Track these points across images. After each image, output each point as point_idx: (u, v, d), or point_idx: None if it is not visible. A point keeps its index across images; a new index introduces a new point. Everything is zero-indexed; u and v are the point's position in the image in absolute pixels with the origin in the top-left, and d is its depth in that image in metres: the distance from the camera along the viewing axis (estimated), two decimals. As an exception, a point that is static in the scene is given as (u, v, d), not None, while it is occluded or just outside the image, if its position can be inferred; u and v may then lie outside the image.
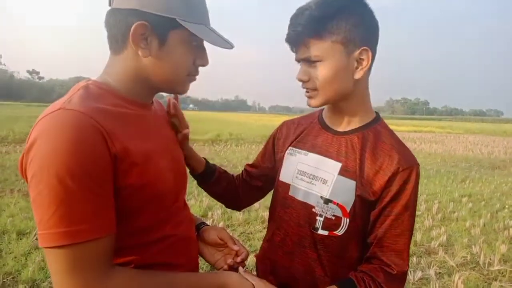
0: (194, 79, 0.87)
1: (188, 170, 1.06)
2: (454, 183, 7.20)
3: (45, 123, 0.66)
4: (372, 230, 0.94)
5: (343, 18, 0.86)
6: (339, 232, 0.94)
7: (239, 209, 1.29)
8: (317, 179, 0.97)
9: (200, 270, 1.00)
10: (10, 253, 3.12)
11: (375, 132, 0.97)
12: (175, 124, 0.99)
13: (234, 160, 9.05)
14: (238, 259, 0.99)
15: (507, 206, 5.54)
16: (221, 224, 4.03)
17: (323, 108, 1.09)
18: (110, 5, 0.77)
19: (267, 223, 4.01)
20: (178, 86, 0.85)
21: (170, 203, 0.86)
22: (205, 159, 1.16)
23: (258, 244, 3.58)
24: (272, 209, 1.11)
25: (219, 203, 4.93)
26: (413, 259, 3.44)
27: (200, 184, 1.19)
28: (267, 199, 1.26)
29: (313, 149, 1.01)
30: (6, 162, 7.12)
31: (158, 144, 0.83)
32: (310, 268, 0.98)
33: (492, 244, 3.89)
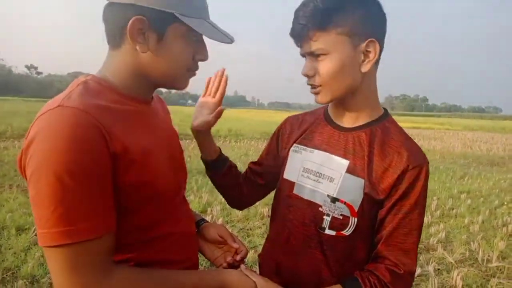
0: (194, 74, 0.86)
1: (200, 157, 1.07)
2: (453, 180, 7.22)
3: (43, 120, 0.65)
4: (379, 228, 0.92)
5: (349, 9, 0.84)
6: (347, 232, 0.92)
7: (241, 208, 1.27)
8: (323, 177, 0.95)
9: (200, 267, 1.00)
10: (10, 249, 3.12)
11: (383, 128, 0.95)
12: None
13: (233, 156, 9.04)
14: (238, 257, 0.98)
15: (505, 203, 5.56)
16: (220, 220, 4.03)
17: (328, 104, 1.06)
18: None
19: (266, 219, 4.03)
20: (177, 81, 0.83)
21: (169, 200, 0.85)
22: (219, 148, 1.15)
23: (257, 240, 3.58)
24: (275, 207, 1.08)
25: (218, 199, 4.95)
26: (412, 256, 3.45)
27: (210, 172, 1.17)
28: (267, 195, 1.26)
29: (319, 146, 0.99)
30: (4, 158, 7.09)
31: (157, 141, 0.82)
32: (316, 269, 0.96)
33: (491, 241, 3.91)
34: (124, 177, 0.70)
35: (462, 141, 16.75)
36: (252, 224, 4.07)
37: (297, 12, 0.88)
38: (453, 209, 5.09)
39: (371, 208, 0.91)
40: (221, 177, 1.16)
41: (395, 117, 1.02)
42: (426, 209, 0.94)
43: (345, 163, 0.93)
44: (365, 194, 0.90)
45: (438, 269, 3.24)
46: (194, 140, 1.15)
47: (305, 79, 0.94)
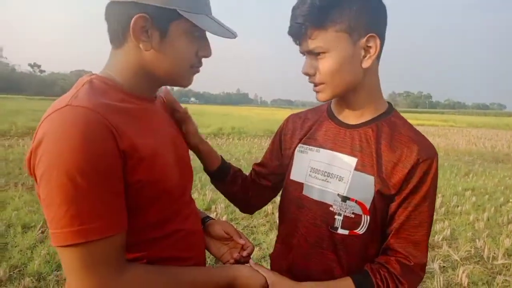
0: (198, 71, 0.85)
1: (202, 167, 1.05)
2: (457, 177, 7.19)
3: (52, 120, 0.65)
4: (390, 222, 0.91)
5: (346, 5, 0.82)
6: (360, 230, 0.91)
7: (251, 212, 1.26)
8: (332, 176, 0.93)
9: (206, 264, 1.00)
10: (16, 246, 3.14)
11: (389, 123, 0.94)
12: (178, 118, 0.98)
13: (237, 153, 9.04)
14: (244, 253, 0.98)
15: (511, 200, 5.52)
16: (224, 218, 4.04)
17: (331, 101, 1.05)
18: None
19: (270, 217, 4.03)
20: (181, 78, 0.83)
21: (177, 198, 0.85)
22: (221, 156, 1.13)
23: (261, 237, 3.59)
24: (284, 209, 1.06)
25: (223, 197, 4.96)
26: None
27: (214, 182, 1.16)
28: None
29: (325, 145, 0.97)
30: (9, 156, 7.14)
31: (163, 139, 0.83)
32: (328, 269, 0.95)
33: (496, 238, 3.89)
34: (133, 175, 0.70)
35: (467, 138, 16.67)
36: (256, 222, 4.07)
37: (294, 10, 0.86)
38: (458, 206, 5.07)
39: (383, 204, 0.90)
40: (227, 185, 1.15)
41: (398, 114, 1.01)
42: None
43: (353, 160, 0.92)
44: (376, 191, 0.88)
45: (444, 267, 3.23)
46: None
47: (307, 76, 0.93)
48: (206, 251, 1.01)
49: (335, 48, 0.84)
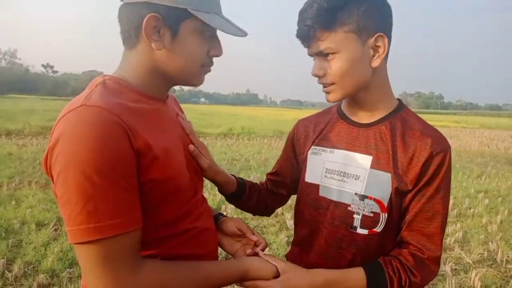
0: (209, 70, 0.86)
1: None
2: (469, 179, 7.08)
3: (68, 120, 0.66)
4: (404, 215, 0.92)
5: (354, 6, 0.83)
6: (379, 229, 0.91)
7: (268, 215, 1.28)
8: (348, 176, 0.94)
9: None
10: (30, 244, 3.20)
11: (401, 119, 0.94)
12: (191, 153, 0.92)
13: (246, 154, 9.06)
14: (257, 249, 0.99)
15: (525, 203, 5.43)
16: (234, 218, 4.05)
17: (340, 102, 1.06)
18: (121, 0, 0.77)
19: (280, 217, 4.03)
20: (192, 78, 0.84)
21: (189, 196, 0.86)
22: (234, 176, 1.12)
23: (271, 238, 3.59)
24: (300, 212, 1.06)
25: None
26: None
27: (232, 202, 1.16)
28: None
29: (339, 145, 0.98)
30: (23, 155, 7.27)
31: (175, 138, 0.84)
32: (349, 268, 0.94)
33: (510, 241, 3.83)
34: (146, 174, 0.71)
35: (479, 139, 16.41)
36: (266, 222, 4.07)
37: (301, 13, 0.87)
38: (470, 208, 5.00)
39: (399, 201, 0.91)
40: (243, 203, 1.16)
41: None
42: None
43: (368, 159, 0.92)
44: (393, 188, 0.89)
45: (455, 269, 3.19)
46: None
47: (316, 78, 0.93)
48: (218, 248, 1.02)
49: (345, 48, 0.85)
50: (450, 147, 0.91)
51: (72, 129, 0.64)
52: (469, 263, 3.29)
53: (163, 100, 0.86)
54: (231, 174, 1.11)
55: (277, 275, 0.87)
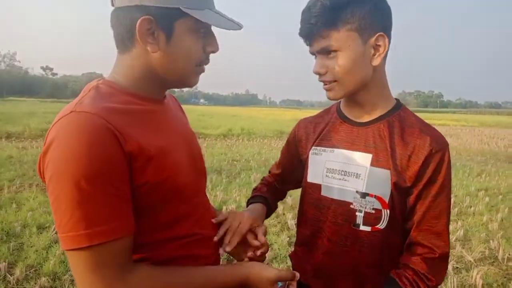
0: (203, 70, 0.85)
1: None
2: (470, 177, 7.09)
3: (58, 127, 0.67)
4: (410, 215, 0.93)
5: (356, 5, 0.86)
6: (381, 225, 0.93)
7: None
8: (349, 175, 0.96)
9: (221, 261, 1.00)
10: (32, 247, 3.20)
11: (400, 117, 0.97)
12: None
13: (247, 154, 9.06)
14: (258, 253, 0.98)
15: (525, 201, 5.43)
16: (235, 219, 4.04)
17: (339, 102, 1.07)
18: (112, 5, 0.76)
19: (281, 217, 4.03)
20: (189, 78, 0.83)
21: (189, 198, 0.85)
22: (260, 201, 1.16)
23: (273, 238, 3.59)
24: (304, 212, 1.08)
25: (233, 197, 4.99)
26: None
27: None
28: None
29: (339, 144, 0.99)
30: (23, 157, 7.27)
31: (173, 139, 0.82)
32: (355, 266, 0.97)
33: (511, 239, 3.83)
34: (141, 177, 0.71)
35: (479, 137, 16.42)
36: (268, 222, 4.07)
37: (304, 12, 0.89)
38: (471, 207, 5.01)
39: (400, 197, 0.92)
40: (270, 214, 1.21)
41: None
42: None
43: (368, 157, 0.94)
44: (393, 184, 0.91)
45: (457, 268, 3.19)
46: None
47: (316, 77, 0.95)
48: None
49: (347, 47, 0.87)
50: (448, 144, 0.93)
51: (61, 136, 0.65)
52: (470, 261, 3.29)
53: (159, 100, 0.85)
54: (259, 201, 1.15)
55: (277, 282, 0.85)
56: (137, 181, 0.71)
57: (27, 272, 2.78)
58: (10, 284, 2.62)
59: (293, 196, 4.27)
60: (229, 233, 0.95)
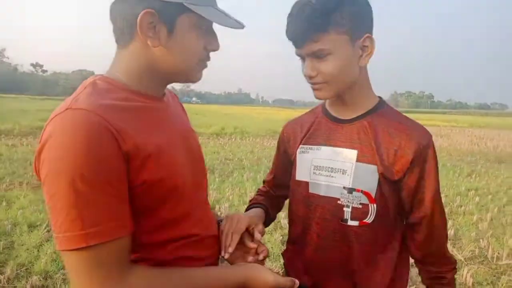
0: (206, 66, 0.84)
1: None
2: (460, 177, 7.18)
3: (53, 124, 0.65)
4: (415, 209, 0.97)
5: (345, 8, 0.86)
6: (369, 219, 0.95)
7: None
8: (335, 171, 0.97)
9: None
10: (22, 245, 3.16)
11: (384, 113, 0.99)
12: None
13: (239, 153, 9.06)
14: (260, 257, 0.95)
15: (514, 201, 5.51)
16: (229, 217, 4.04)
17: (325, 101, 1.09)
18: None
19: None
20: (190, 74, 0.82)
21: (188, 198, 0.83)
22: (261, 208, 1.15)
23: (265, 237, 3.59)
24: (293, 210, 1.09)
25: (226, 196, 4.99)
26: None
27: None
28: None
29: (325, 142, 1.01)
30: (13, 155, 7.17)
31: (172, 137, 0.81)
32: (345, 261, 0.99)
33: (500, 238, 3.89)
34: (138, 175, 0.70)
35: (469, 138, 16.63)
36: (261, 221, 4.07)
37: (293, 15, 0.89)
38: (461, 206, 5.07)
39: (388, 191, 0.94)
40: (270, 222, 1.20)
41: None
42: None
43: (353, 153, 0.96)
44: (379, 179, 0.93)
45: (448, 267, 3.23)
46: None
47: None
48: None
49: (337, 49, 0.88)
50: (431, 136, 0.97)
51: (57, 134, 0.63)
52: (461, 260, 3.34)
53: (158, 97, 0.83)
54: (258, 206, 1.15)
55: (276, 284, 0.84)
56: (134, 181, 0.69)
57: (18, 271, 2.75)
58: (0, 283, 2.59)
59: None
60: (228, 234, 0.94)
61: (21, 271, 2.76)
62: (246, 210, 1.17)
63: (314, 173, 1.01)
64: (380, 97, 1.04)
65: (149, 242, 0.77)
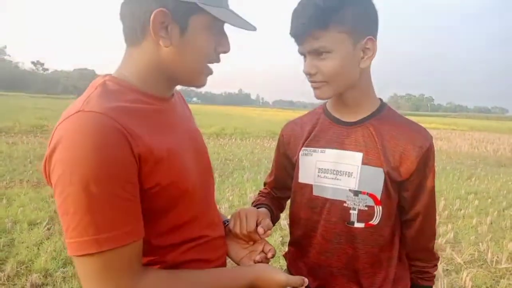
0: (212, 72, 0.83)
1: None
2: (460, 180, 7.18)
3: (65, 127, 0.64)
4: (411, 206, 1.00)
5: (349, 8, 0.87)
6: (375, 221, 0.96)
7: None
8: (341, 174, 0.98)
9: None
10: (23, 243, 3.16)
11: (386, 116, 1.00)
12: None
13: (239, 154, 9.06)
14: (269, 255, 0.94)
15: (513, 204, 5.52)
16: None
17: (325, 103, 1.09)
18: None
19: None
20: (198, 77, 0.80)
21: (198, 200, 0.83)
22: (265, 208, 1.15)
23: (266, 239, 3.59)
24: (296, 212, 1.09)
25: (226, 197, 4.98)
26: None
27: None
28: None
29: (329, 144, 1.01)
30: (13, 153, 7.17)
31: (180, 139, 0.80)
32: (349, 263, 1.00)
33: (500, 242, 3.89)
34: (150, 179, 0.69)
35: (469, 141, 16.64)
36: (260, 222, 4.07)
37: (297, 12, 0.90)
38: (461, 209, 5.07)
39: (393, 192, 0.96)
40: (275, 221, 1.20)
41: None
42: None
43: (359, 155, 0.96)
44: (385, 181, 0.94)
45: (447, 270, 3.24)
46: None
47: (307, 76, 0.96)
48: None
49: (338, 48, 0.88)
50: (432, 137, 0.99)
51: (69, 137, 0.62)
52: (460, 263, 3.34)
53: (167, 99, 0.82)
54: (262, 207, 1.15)
55: (286, 286, 0.84)
56: (146, 184, 0.69)
57: (18, 269, 2.75)
58: (0, 280, 2.59)
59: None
60: (242, 225, 0.93)
61: (21, 268, 2.76)
62: None
63: (318, 175, 1.01)
64: (380, 99, 1.04)
65: (160, 245, 0.77)
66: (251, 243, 0.97)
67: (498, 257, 3.47)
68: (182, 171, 0.77)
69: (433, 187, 0.99)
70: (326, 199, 1.00)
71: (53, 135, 0.65)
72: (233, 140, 12.29)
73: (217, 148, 9.92)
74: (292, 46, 0.96)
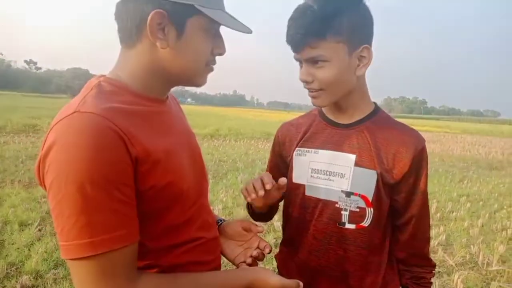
0: (212, 70, 0.82)
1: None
2: (452, 183, 7.24)
3: (60, 127, 0.63)
4: (405, 210, 1.00)
5: (345, 17, 0.87)
6: (366, 223, 0.97)
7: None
8: (334, 175, 0.98)
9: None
10: (13, 244, 3.13)
11: (380, 119, 1.01)
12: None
13: (234, 155, 9.05)
14: (266, 251, 0.95)
15: (505, 207, 5.58)
16: (222, 219, 4.04)
17: None
18: None
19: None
20: (196, 77, 0.80)
21: (193, 201, 0.82)
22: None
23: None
24: (288, 212, 1.10)
25: (220, 198, 4.96)
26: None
27: (259, 219, 1.19)
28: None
29: (323, 146, 1.02)
30: (5, 153, 7.09)
31: (176, 140, 0.80)
32: (338, 264, 1.00)
33: (491, 245, 3.93)
34: (146, 181, 0.68)
35: (461, 144, 16.79)
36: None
37: (293, 20, 0.89)
38: (453, 212, 5.11)
39: (384, 194, 0.97)
40: (268, 218, 1.20)
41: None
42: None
43: (352, 157, 0.97)
44: (377, 183, 0.95)
45: (439, 272, 3.26)
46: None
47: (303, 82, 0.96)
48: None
49: (335, 57, 0.89)
50: (425, 140, 1.00)
51: (65, 138, 0.61)
52: (452, 265, 3.37)
53: (163, 101, 0.82)
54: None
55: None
56: (142, 186, 0.68)
57: (8, 270, 2.72)
58: (-10, 282, 2.56)
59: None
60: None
61: (11, 270, 2.73)
62: (247, 210, 1.19)
63: (311, 176, 1.02)
64: (375, 103, 1.05)
65: (156, 247, 0.76)
66: (248, 238, 0.98)
67: (489, 259, 3.51)
68: (178, 172, 0.76)
69: (426, 191, 1.00)
70: (319, 200, 1.00)
71: (48, 135, 0.64)
72: (227, 141, 12.27)
73: (211, 149, 9.89)
74: (287, 47, 0.95)
